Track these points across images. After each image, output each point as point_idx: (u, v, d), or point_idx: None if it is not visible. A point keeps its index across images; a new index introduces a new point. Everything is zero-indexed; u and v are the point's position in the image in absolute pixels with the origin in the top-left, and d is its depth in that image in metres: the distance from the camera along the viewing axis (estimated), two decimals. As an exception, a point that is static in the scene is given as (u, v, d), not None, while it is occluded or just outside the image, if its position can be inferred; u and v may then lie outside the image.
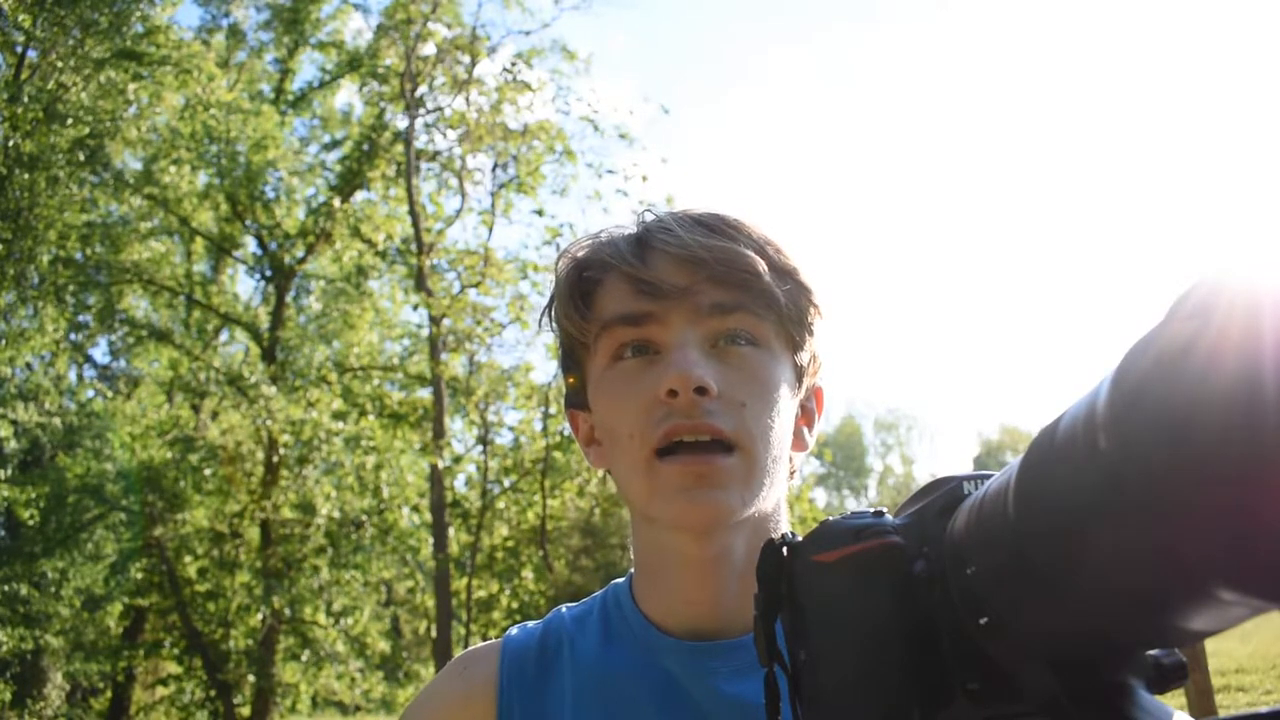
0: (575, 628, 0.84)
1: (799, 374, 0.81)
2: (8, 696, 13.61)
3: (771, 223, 0.82)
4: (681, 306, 0.75)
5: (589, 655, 0.81)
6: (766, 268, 0.77)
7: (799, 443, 0.83)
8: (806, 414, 0.85)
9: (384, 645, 14.20)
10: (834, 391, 0.93)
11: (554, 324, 0.84)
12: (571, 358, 0.83)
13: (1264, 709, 0.41)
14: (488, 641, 0.87)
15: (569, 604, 0.89)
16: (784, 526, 0.82)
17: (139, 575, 14.22)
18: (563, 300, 0.81)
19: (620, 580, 0.87)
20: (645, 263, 0.77)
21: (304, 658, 13.81)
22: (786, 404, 0.78)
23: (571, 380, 0.85)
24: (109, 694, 16.37)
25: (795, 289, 0.79)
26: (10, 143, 10.75)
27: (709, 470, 0.72)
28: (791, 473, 0.84)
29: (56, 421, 13.14)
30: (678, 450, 0.73)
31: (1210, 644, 6.34)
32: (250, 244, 15.89)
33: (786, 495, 0.85)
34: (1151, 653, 0.45)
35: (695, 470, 0.72)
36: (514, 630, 0.87)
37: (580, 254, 0.81)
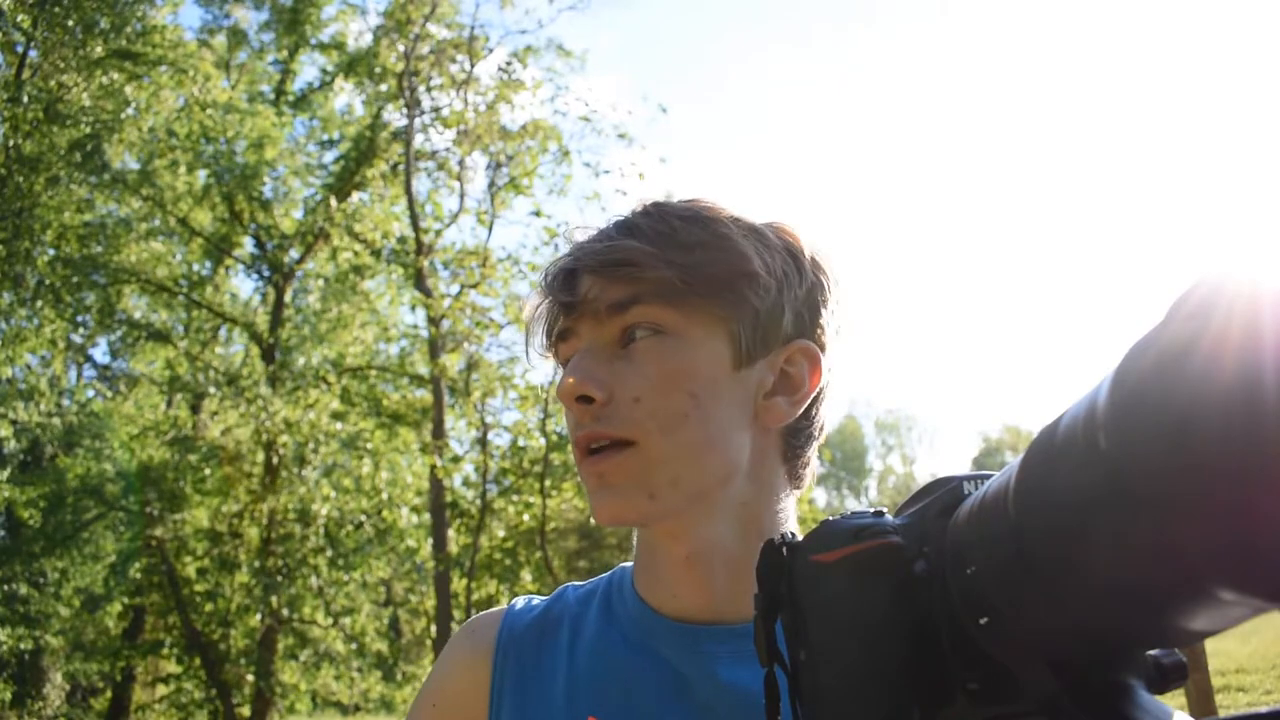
0: (578, 607, 0.85)
1: (738, 343, 0.76)
2: (8, 696, 13.63)
3: (716, 197, 0.81)
4: (585, 315, 0.77)
5: (588, 634, 0.81)
6: (660, 250, 0.74)
7: (773, 415, 0.77)
8: (788, 380, 0.78)
9: (380, 645, 14.19)
10: (835, 390, 0.89)
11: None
12: None
13: (1264, 709, 0.41)
14: (494, 609, 0.87)
15: (575, 583, 0.89)
16: (778, 509, 0.79)
17: (139, 575, 14.21)
18: (531, 335, 0.84)
19: (628, 564, 0.86)
20: (558, 280, 0.78)
21: (303, 658, 13.80)
22: (710, 384, 0.74)
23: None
24: (109, 694, 16.38)
25: (706, 260, 0.75)
26: (10, 143, 10.74)
27: (604, 469, 0.74)
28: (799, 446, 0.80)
29: (56, 421, 13.13)
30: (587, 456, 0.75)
31: (1210, 644, 6.35)
32: (248, 244, 15.88)
33: (780, 476, 0.79)
34: (1151, 653, 0.45)
35: (594, 471, 0.74)
36: (519, 601, 0.87)
37: (539, 283, 0.85)
